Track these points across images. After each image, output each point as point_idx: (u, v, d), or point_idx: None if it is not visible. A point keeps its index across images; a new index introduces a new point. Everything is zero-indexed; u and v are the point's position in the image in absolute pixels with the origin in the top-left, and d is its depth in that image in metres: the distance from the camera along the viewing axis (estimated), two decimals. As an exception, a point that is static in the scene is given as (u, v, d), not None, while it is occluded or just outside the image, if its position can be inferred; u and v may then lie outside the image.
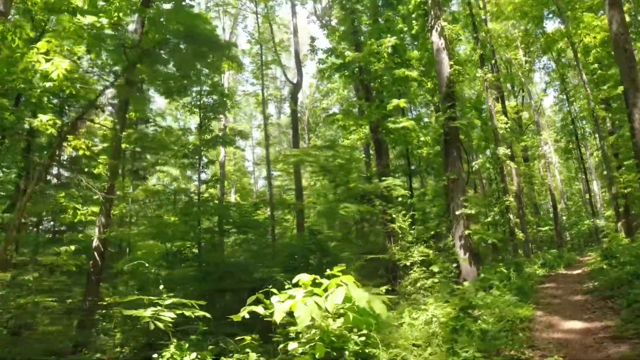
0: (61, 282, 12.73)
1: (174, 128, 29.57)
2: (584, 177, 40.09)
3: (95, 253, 12.01)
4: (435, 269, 11.54)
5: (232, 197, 37.95)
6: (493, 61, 24.87)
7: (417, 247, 13.38)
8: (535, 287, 15.97)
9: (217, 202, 24.32)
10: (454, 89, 12.85)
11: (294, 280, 4.70)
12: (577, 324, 9.21)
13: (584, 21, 21.88)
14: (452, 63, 12.96)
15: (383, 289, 12.28)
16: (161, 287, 5.47)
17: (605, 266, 15.89)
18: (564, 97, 39.05)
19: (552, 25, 60.54)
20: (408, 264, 12.77)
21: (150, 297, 5.22)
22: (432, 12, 13.98)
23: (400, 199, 15.90)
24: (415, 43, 21.07)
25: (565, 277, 19.33)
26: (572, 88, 34.21)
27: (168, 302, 4.97)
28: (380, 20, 19.51)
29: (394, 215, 14.08)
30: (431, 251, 13.29)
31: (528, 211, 37.43)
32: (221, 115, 30.11)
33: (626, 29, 12.47)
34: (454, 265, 12.40)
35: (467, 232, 11.91)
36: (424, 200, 19.20)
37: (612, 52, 16.62)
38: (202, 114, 26.26)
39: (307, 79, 64.44)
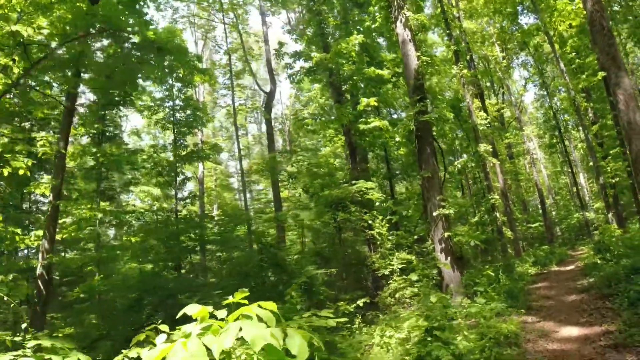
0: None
1: (145, 145, 28.39)
2: (569, 170, 39.24)
3: (39, 281, 10.72)
4: (413, 277, 10.35)
5: (215, 214, 36.64)
6: (468, 57, 23.90)
7: (398, 254, 12.22)
8: (527, 287, 14.82)
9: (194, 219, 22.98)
10: (422, 81, 11.75)
11: (179, 314, 3.42)
12: (573, 330, 8.04)
13: (558, 8, 21.00)
14: (419, 54, 11.88)
15: (358, 303, 11.17)
16: (24, 325, 4.23)
17: (599, 261, 14.82)
18: (544, 92, 38.39)
19: (527, 21, 60.13)
20: (386, 272, 11.58)
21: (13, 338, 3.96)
22: (396, 3, 12.91)
23: (377, 203, 14.75)
24: (386, 42, 20.14)
25: (558, 274, 18.21)
26: (551, 81, 33.40)
27: (32, 344, 3.68)
28: (350, 21, 18.52)
29: (369, 221, 12.93)
30: (413, 257, 12.13)
31: (516, 208, 36.42)
32: (196, 130, 29.01)
33: (601, 5, 11.45)
34: (435, 271, 11.22)
35: (446, 234, 10.73)
36: (403, 204, 18.04)
37: (589, 37, 15.71)
38: (175, 130, 25.25)
39: (287, 89, 63.35)
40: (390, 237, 12.74)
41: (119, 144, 24.75)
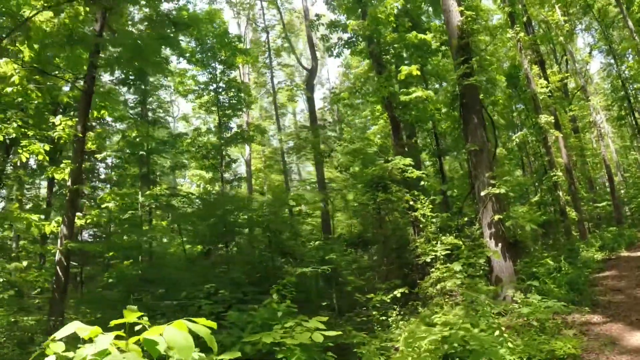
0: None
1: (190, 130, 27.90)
2: (641, 144, 35.64)
3: (58, 268, 10.08)
4: (456, 267, 8.85)
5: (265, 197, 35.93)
6: (525, 19, 21.48)
7: (445, 238, 10.73)
8: (592, 277, 12.94)
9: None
10: (467, 40, 10.06)
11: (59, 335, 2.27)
12: (651, 338, 6.39)
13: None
14: (462, 9, 10.17)
15: (395, 294, 9.83)
16: None
17: (679, 246, 12.67)
18: (611, 59, 34.85)
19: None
20: (428, 260, 10.14)
21: None
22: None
23: (423, 183, 13.19)
24: (432, 9, 18.25)
25: (629, 260, 16.03)
26: (618, 44, 29.95)
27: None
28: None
29: (410, 202, 11.48)
30: (461, 242, 10.60)
31: (581, 187, 33.48)
32: (242, 112, 28.19)
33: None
34: (483, 260, 9.65)
35: (496, 217, 9.13)
36: (453, 182, 16.36)
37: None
38: (220, 113, 24.63)
39: (336, 68, 61.70)
40: (434, 220, 11.23)
41: (162, 127, 24.37)
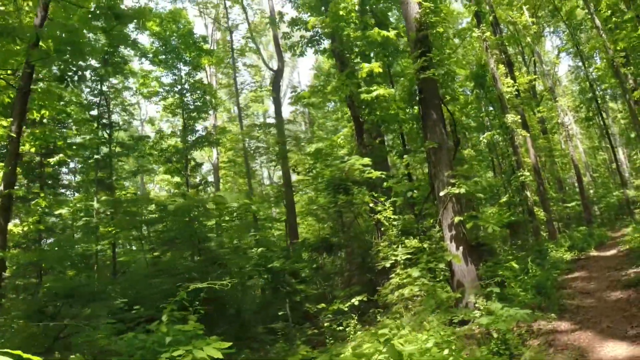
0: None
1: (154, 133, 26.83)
2: (608, 145, 35.74)
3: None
4: (414, 273, 8.17)
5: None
6: (491, 18, 21.09)
7: (409, 241, 10.04)
8: (561, 278, 12.43)
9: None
10: (425, 32, 9.41)
11: None
12: (621, 348, 5.77)
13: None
14: (420, 0, 9.53)
15: (352, 302, 9.08)
16: None
17: (647, 245, 12.28)
18: (579, 62, 34.97)
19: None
20: (388, 265, 9.44)
21: None
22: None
23: (387, 184, 12.50)
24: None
25: (598, 260, 15.64)
26: (586, 44, 29.91)
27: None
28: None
29: (371, 205, 10.79)
30: (424, 245, 9.91)
31: (550, 187, 33.38)
32: (208, 115, 27.22)
33: None
34: (444, 264, 8.96)
35: (457, 218, 8.47)
36: (422, 185, 15.69)
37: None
38: (185, 115, 23.68)
39: (308, 70, 61.03)
40: (395, 223, 10.55)
41: (123, 130, 23.23)
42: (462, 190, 8.32)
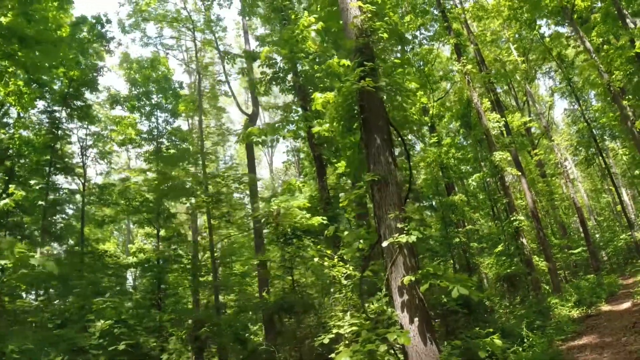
0: None
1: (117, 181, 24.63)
2: (611, 186, 33.03)
3: None
4: (344, 357, 5.54)
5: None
6: (474, 51, 19.07)
7: (360, 306, 7.42)
8: (566, 347, 9.60)
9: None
10: (367, 40, 7.14)
11: None
12: None
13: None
14: (360, 4, 7.34)
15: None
16: None
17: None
18: (574, 102, 32.91)
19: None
20: (326, 341, 6.79)
21: None
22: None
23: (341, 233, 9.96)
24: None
25: (611, 318, 12.71)
26: (579, 74, 27.69)
27: None
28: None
29: (315, 258, 8.24)
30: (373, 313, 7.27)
31: (553, 233, 30.47)
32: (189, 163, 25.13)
33: None
34: (385, 348, 6.22)
35: (407, 279, 5.86)
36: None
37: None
38: (160, 165, 21.61)
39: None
40: (345, 282, 7.97)
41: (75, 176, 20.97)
42: (413, 238, 5.79)
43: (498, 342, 6.32)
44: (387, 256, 6.35)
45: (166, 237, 22.84)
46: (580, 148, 32.75)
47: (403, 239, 5.94)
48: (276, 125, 13.11)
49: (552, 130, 35.93)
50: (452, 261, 18.71)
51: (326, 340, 6.71)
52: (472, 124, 17.32)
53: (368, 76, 6.67)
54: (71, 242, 21.03)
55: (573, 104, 42.26)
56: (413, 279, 5.81)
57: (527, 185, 18.81)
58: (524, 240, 15.28)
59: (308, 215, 8.38)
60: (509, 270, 15.00)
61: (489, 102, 17.44)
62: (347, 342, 6.82)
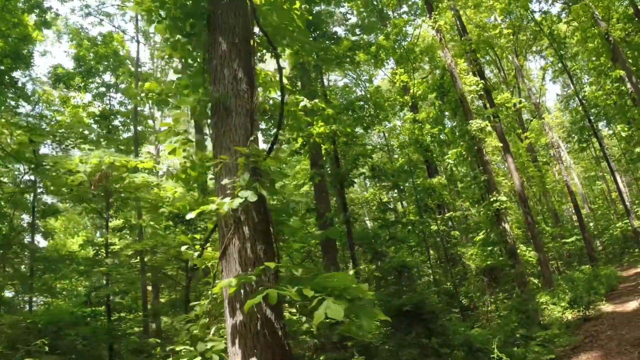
0: None
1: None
2: (605, 173, 29.83)
3: None
4: None
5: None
6: (453, 17, 15.84)
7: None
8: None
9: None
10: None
11: None
12: None
13: None
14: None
15: None
16: None
17: None
18: (568, 80, 29.76)
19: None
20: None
21: None
22: None
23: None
24: None
25: (616, 324, 9.53)
26: (572, 49, 24.50)
27: None
28: None
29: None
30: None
31: (542, 220, 27.30)
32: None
33: None
34: None
35: (236, 280, 2.81)
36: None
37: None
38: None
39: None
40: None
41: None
42: (237, 204, 2.74)
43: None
44: (220, 239, 3.29)
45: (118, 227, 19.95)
46: (574, 135, 29.55)
47: (231, 204, 2.86)
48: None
49: (543, 112, 32.67)
50: (426, 252, 15.71)
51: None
52: (446, 91, 14.14)
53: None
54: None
55: (566, 89, 39.17)
56: (243, 281, 2.72)
57: (514, 165, 15.67)
58: (507, 226, 12.12)
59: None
60: (488, 262, 11.89)
61: (465, 64, 14.21)
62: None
